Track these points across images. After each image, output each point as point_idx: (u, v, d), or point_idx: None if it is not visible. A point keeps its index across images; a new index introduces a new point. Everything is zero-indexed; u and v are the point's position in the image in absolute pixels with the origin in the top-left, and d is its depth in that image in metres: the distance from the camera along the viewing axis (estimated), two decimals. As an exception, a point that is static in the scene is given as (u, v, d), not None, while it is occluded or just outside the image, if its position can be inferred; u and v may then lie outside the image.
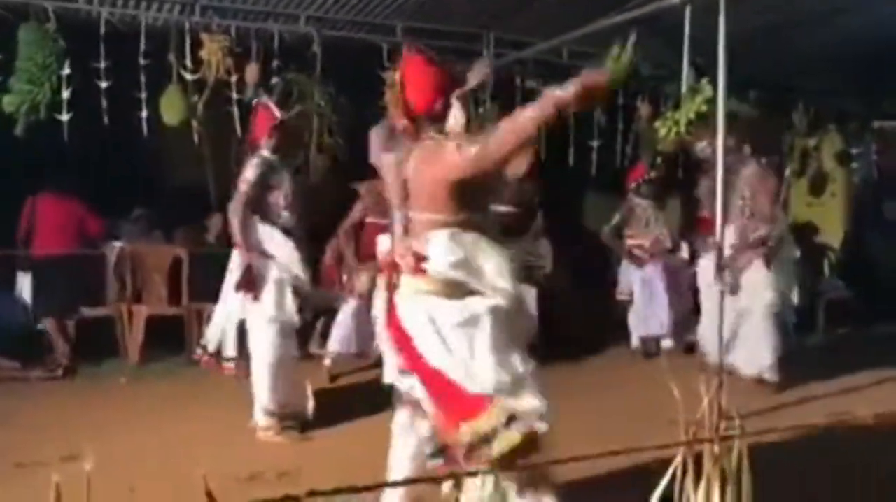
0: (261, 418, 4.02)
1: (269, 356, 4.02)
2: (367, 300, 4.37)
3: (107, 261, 5.93)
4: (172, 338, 5.79)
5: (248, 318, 4.08)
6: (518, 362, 2.34)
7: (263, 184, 4.06)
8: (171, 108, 5.60)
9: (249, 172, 4.07)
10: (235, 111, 5.80)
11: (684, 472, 1.40)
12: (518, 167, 5.94)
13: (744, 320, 4.91)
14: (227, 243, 5.88)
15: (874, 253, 8.33)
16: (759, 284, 4.91)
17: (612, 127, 7.37)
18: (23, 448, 3.64)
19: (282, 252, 4.09)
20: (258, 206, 4.07)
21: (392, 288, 2.48)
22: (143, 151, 6.10)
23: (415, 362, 2.38)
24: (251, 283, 3.99)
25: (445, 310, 2.34)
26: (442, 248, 2.36)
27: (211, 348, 4.27)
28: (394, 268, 2.49)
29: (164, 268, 5.95)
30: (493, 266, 2.37)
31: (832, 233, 8.27)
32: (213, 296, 4.57)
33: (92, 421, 4.24)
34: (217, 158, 6.48)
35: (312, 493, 0.99)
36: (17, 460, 3.46)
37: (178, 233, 6.81)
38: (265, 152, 4.15)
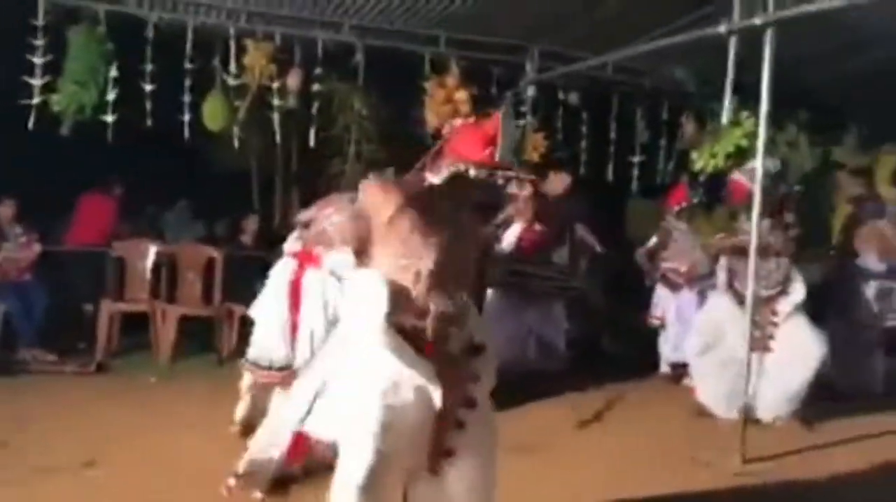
0: None
1: None
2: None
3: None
4: (203, 338, 5.89)
5: None
6: None
7: None
8: (214, 115, 5.69)
9: None
10: (276, 117, 5.85)
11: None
12: (555, 187, 5.90)
13: None
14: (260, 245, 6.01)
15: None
16: None
17: (654, 143, 7.28)
18: (45, 450, 3.69)
19: None
20: None
21: None
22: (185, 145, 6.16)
23: None
24: None
25: None
26: None
27: None
28: None
29: (199, 267, 6.01)
30: None
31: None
32: (246, 298, 4.57)
33: (119, 422, 4.26)
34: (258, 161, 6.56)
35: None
36: (37, 463, 3.47)
37: (219, 225, 6.95)
38: None
